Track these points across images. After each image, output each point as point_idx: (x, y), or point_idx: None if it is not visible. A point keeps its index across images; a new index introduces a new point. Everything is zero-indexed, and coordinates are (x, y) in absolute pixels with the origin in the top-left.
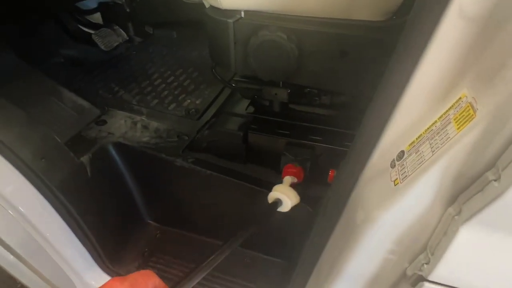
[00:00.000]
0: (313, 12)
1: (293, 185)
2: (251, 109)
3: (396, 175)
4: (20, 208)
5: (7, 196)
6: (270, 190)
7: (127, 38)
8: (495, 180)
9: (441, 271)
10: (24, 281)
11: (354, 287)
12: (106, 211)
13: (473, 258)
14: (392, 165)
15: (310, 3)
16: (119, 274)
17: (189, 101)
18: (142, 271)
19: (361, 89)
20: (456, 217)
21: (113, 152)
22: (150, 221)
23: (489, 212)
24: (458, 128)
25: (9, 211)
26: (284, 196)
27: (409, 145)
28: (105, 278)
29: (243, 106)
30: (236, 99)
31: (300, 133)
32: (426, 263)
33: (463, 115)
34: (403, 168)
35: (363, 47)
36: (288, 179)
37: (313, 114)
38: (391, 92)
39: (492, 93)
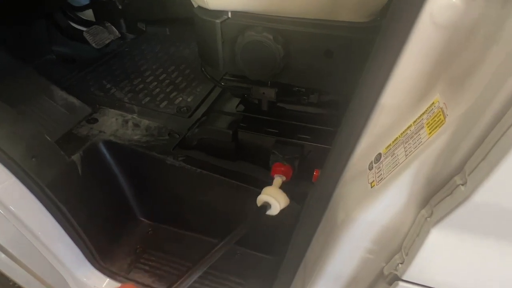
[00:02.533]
0: (298, 13)
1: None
2: (241, 107)
3: (373, 177)
4: (10, 207)
5: None
6: (259, 187)
7: (119, 35)
8: (462, 185)
9: (414, 271)
10: (16, 279)
11: (335, 285)
12: (98, 209)
13: (443, 258)
14: (370, 167)
15: (295, 5)
16: (111, 271)
17: (180, 99)
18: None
19: (346, 88)
20: (428, 219)
21: (104, 150)
22: (142, 219)
23: (457, 215)
24: (430, 133)
25: (0, 210)
26: (273, 199)
27: (385, 148)
28: (97, 275)
29: (233, 105)
30: (226, 97)
31: (288, 132)
32: (401, 263)
33: (435, 120)
34: (380, 170)
35: (348, 47)
36: (278, 181)
37: (301, 113)
38: (369, 94)
39: (461, 100)
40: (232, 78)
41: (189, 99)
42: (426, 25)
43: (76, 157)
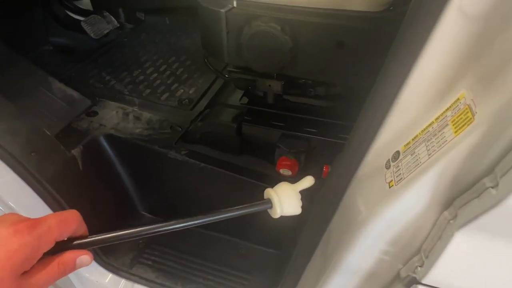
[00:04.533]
0: (308, 2)
1: (286, 178)
2: (245, 100)
3: (391, 176)
4: (10, 203)
5: None
6: (264, 182)
7: (118, 25)
8: (492, 187)
9: (436, 275)
10: None
11: (349, 282)
12: (99, 204)
13: (469, 263)
14: (387, 166)
15: None
16: (113, 266)
17: (182, 90)
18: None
19: (357, 81)
20: (451, 221)
21: (105, 144)
22: (144, 213)
23: (486, 219)
24: (456, 132)
25: None
26: (277, 202)
27: (404, 146)
28: (99, 270)
29: (236, 97)
30: (229, 89)
31: (294, 125)
32: (420, 266)
33: (461, 118)
34: (398, 169)
35: (359, 38)
36: (308, 180)
37: (308, 106)
38: (387, 89)
39: (493, 96)
40: (236, 70)
41: (190, 91)
42: (454, 16)
43: (76, 152)
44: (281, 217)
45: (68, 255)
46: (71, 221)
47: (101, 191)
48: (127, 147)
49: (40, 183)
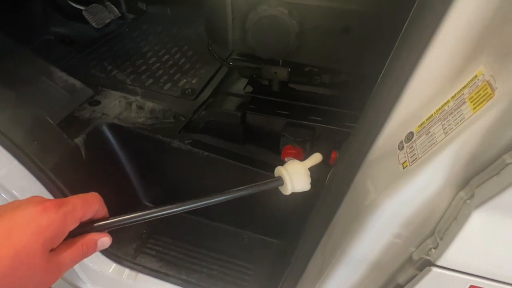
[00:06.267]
0: None
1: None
2: (249, 88)
3: (405, 157)
4: (13, 191)
5: (0, 180)
6: (268, 171)
7: (119, 15)
8: None
9: (451, 256)
10: None
11: (357, 269)
12: (102, 194)
13: (486, 243)
14: (400, 147)
15: None
16: (117, 256)
17: (184, 80)
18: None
19: (364, 67)
20: (468, 201)
21: (108, 133)
22: (147, 203)
23: (506, 197)
24: (474, 109)
25: (3, 194)
26: (288, 178)
27: (418, 126)
28: (103, 260)
29: (240, 86)
30: (233, 78)
31: (299, 113)
32: (434, 248)
33: (480, 94)
34: (412, 150)
35: (367, 23)
36: (316, 157)
37: (313, 94)
38: (400, 70)
39: None
40: (240, 58)
41: (193, 81)
42: None
43: (79, 141)
44: (284, 205)
45: (91, 237)
46: (93, 202)
47: (104, 180)
48: (130, 136)
49: (43, 171)
